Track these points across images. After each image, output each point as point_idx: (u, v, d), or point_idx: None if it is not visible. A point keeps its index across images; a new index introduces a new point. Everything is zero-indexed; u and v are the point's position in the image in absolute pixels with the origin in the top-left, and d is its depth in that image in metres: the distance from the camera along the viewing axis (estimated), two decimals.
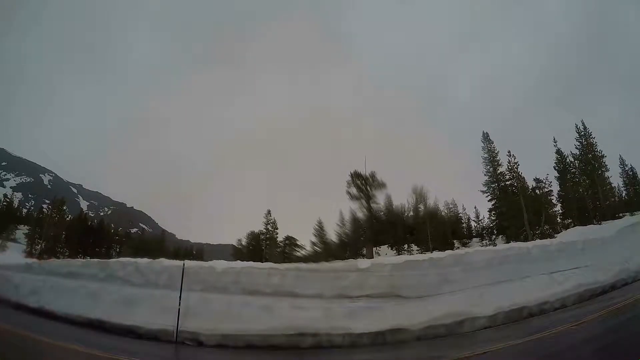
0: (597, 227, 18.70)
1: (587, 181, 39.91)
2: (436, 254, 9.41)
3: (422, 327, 7.42)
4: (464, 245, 44.38)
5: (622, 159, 42.91)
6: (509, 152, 41.64)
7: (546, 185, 39.93)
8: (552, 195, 40.61)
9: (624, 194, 43.22)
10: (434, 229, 44.69)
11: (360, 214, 44.40)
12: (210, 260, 10.44)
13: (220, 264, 9.26)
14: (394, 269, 8.51)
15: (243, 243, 55.09)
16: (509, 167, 41.36)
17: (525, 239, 32.74)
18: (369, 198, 43.11)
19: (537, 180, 40.42)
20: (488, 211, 44.79)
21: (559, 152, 41.62)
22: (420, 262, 8.85)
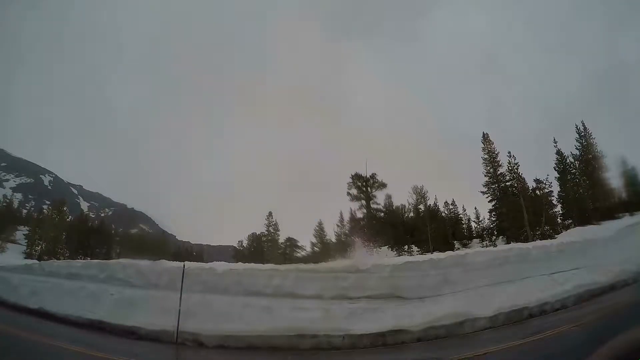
0: (597, 227, 18.69)
1: (587, 182, 39.93)
2: (436, 255, 9.42)
3: (423, 328, 7.42)
4: (464, 246, 44.39)
5: (622, 160, 42.95)
6: (509, 152, 41.75)
7: (546, 186, 39.99)
8: (553, 196, 40.66)
9: (623, 195, 43.23)
10: (434, 230, 44.71)
11: (360, 215, 44.46)
12: (211, 261, 10.46)
13: (221, 265, 9.27)
14: (394, 270, 8.52)
15: (244, 244, 55.12)
16: (509, 168, 41.44)
17: (526, 240, 32.75)
18: (369, 199, 43.18)
19: (537, 181, 40.48)
20: (488, 212, 44.86)
21: (559, 152, 41.68)
22: (420, 263, 8.86)
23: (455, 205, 53.38)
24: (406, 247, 47.72)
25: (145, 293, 8.96)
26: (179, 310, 7.97)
